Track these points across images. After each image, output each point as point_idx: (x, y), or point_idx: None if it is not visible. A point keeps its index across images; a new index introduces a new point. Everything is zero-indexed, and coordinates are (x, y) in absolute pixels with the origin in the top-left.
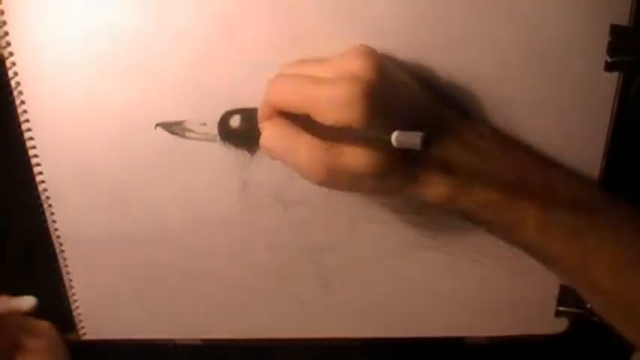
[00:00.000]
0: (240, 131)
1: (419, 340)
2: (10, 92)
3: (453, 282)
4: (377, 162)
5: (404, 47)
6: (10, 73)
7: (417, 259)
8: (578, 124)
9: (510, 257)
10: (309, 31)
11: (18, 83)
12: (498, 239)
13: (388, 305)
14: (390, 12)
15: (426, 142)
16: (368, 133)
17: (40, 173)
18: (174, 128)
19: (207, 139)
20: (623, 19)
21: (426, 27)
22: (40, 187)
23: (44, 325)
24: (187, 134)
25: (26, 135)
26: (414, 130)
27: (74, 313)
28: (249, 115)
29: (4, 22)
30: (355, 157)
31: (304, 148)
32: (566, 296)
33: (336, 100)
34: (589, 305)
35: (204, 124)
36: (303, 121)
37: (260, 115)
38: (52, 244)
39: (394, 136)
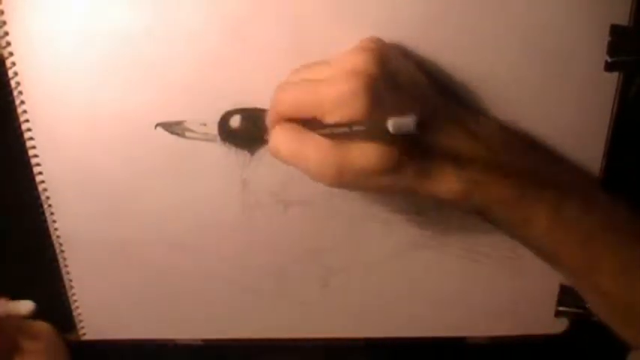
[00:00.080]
0: (240, 131)
1: (419, 340)
2: (10, 92)
3: (453, 282)
4: (386, 157)
5: (406, 44)
6: (10, 73)
7: (417, 259)
8: (579, 125)
9: (510, 257)
10: (312, 31)
11: (18, 83)
12: (498, 239)
13: (388, 305)
14: (398, 15)
15: (421, 125)
16: (370, 126)
17: (40, 173)
18: (174, 128)
19: (207, 139)
20: (623, 19)
21: (429, 29)
22: (40, 187)
23: (43, 326)
24: (187, 134)
25: (26, 135)
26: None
27: (74, 313)
28: (249, 115)
29: (4, 22)
30: (364, 154)
31: (313, 150)
32: (566, 296)
33: (338, 96)
34: (589, 305)
35: (204, 124)
36: (311, 125)
37: (268, 121)
38: (52, 245)
39: (390, 123)
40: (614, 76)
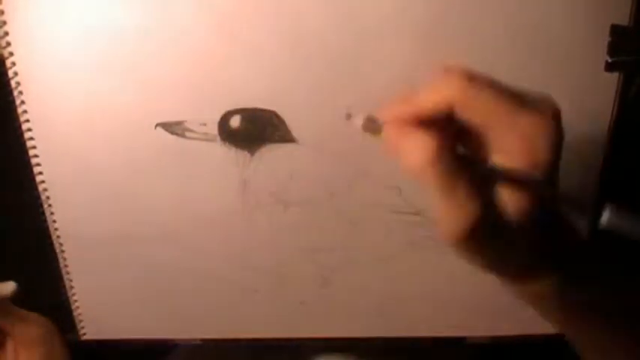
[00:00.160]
0: (240, 131)
1: (419, 339)
2: (10, 92)
3: (453, 282)
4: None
5: (406, 44)
6: (10, 73)
7: (417, 259)
8: (579, 124)
9: None
10: (310, 32)
11: (18, 83)
12: None
13: (388, 305)
14: (397, 13)
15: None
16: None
17: (40, 173)
18: (174, 128)
19: (207, 139)
20: (623, 19)
21: (429, 30)
22: (40, 187)
23: (39, 317)
24: (187, 134)
25: (26, 135)
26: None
27: (74, 313)
28: (249, 115)
29: (4, 22)
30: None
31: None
32: None
33: (539, 134)
34: None
35: (204, 124)
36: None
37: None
38: (52, 244)
39: (606, 216)
40: (614, 76)
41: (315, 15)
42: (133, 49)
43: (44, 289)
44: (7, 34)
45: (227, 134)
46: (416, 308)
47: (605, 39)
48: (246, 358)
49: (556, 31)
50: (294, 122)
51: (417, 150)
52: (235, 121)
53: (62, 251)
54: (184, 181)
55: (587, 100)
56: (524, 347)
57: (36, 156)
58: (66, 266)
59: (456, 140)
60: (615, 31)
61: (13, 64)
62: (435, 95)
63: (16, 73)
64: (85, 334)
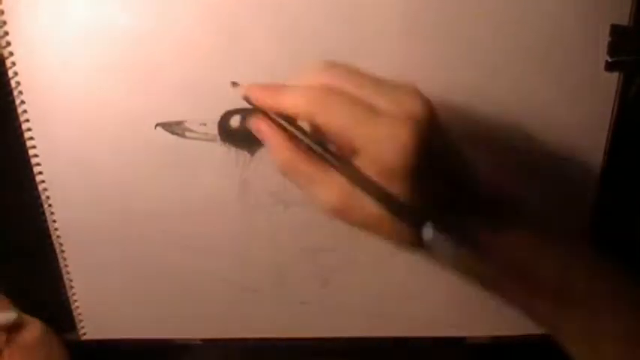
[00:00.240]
0: (240, 131)
1: (419, 339)
2: (10, 92)
3: (453, 282)
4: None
5: (406, 45)
6: (10, 73)
7: (417, 259)
8: (579, 124)
9: None
10: (311, 33)
11: (18, 83)
12: None
13: (388, 305)
14: (397, 13)
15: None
16: (402, 203)
17: (40, 173)
18: (174, 128)
19: (207, 139)
20: (623, 19)
21: (427, 27)
22: (40, 187)
23: (34, 322)
24: (187, 134)
25: (26, 135)
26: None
27: (74, 313)
28: (249, 115)
29: (4, 22)
30: (370, 211)
31: (326, 182)
32: None
33: (386, 139)
34: None
35: (204, 124)
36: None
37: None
38: (52, 244)
39: (427, 232)
40: (614, 76)
41: (315, 15)
42: (132, 49)
43: (44, 289)
44: (7, 34)
45: (227, 134)
46: (416, 308)
47: (605, 39)
48: (246, 358)
49: (556, 31)
50: None
51: (278, 151)
52: (235, 121)
53: (62, 251)
54: (184, 181)
55: (587, 100)
56: (524, 347)
57: (36, 156)
58: (66, 266)
59: (316, 137)
60: (615, 31)
61: (13, 64)
62: (295, 102)
63: (16, 73)
64: (85, 334)
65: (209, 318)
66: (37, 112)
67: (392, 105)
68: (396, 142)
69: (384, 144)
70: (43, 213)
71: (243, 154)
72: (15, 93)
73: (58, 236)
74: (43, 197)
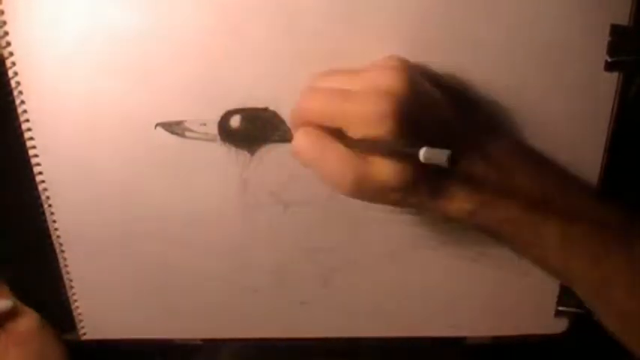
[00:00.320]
0: (240, 131)
1: (420, 339)
2: (10, 92)
3: (454, 282)
4: (403, 175)
5: (406, 45)
6: (10, 73)
7: (417, 259)
8: (578, 124)
9: (511, 257)
10: (311, 31)
11: (18, 83)
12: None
13: (388, 305)
14: (397, 13)
15: (453, 160)
16: (396, 146)
17: (40, 173)
18: (174, 128)
19: (207, 139)
20: (623, 19)
21: (429, 29)
22: (40, 187)
23: (31, 315)
24: (187, 134)
25: (26, 135)
26: (440, 145)
27: (74, 313)
28: (249, 115)
29: (4, 22)
30: (383, 170)
31: (335, 159)
32: (566, 296)
33: (365, 117)
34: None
35: (204, 124)
36: (334, 131)
37: (291, 123)
38: (52, 244)
39: (422, 153)
40: (614, 76)
41: (316, 15)
42: (133, 48)
43: (44, 289)
44: (7, 34)
45: (227, 134)
46: (416, 308)
47: (605, 39)
48: (247, 358)
49: (555, 31)
50: None
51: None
52: (235, 121)
53: (62, 251)
54: (184, 181)
55: (587, 100)
56: (524, 347)
57: (36, 156)
58: (66, 266)
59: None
60: (615, 31)
61: (13, 64)
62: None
63: (16, 73)
64: (85, 334)
65: (209, 318)
66: (37, 112)
67: (366, 84)
68: (374, 115)
69: (362, 118)
70: (43, 213)
71: (243, 154)
72: (15, 93)
73: (58, 236)
74: (43, 197)
